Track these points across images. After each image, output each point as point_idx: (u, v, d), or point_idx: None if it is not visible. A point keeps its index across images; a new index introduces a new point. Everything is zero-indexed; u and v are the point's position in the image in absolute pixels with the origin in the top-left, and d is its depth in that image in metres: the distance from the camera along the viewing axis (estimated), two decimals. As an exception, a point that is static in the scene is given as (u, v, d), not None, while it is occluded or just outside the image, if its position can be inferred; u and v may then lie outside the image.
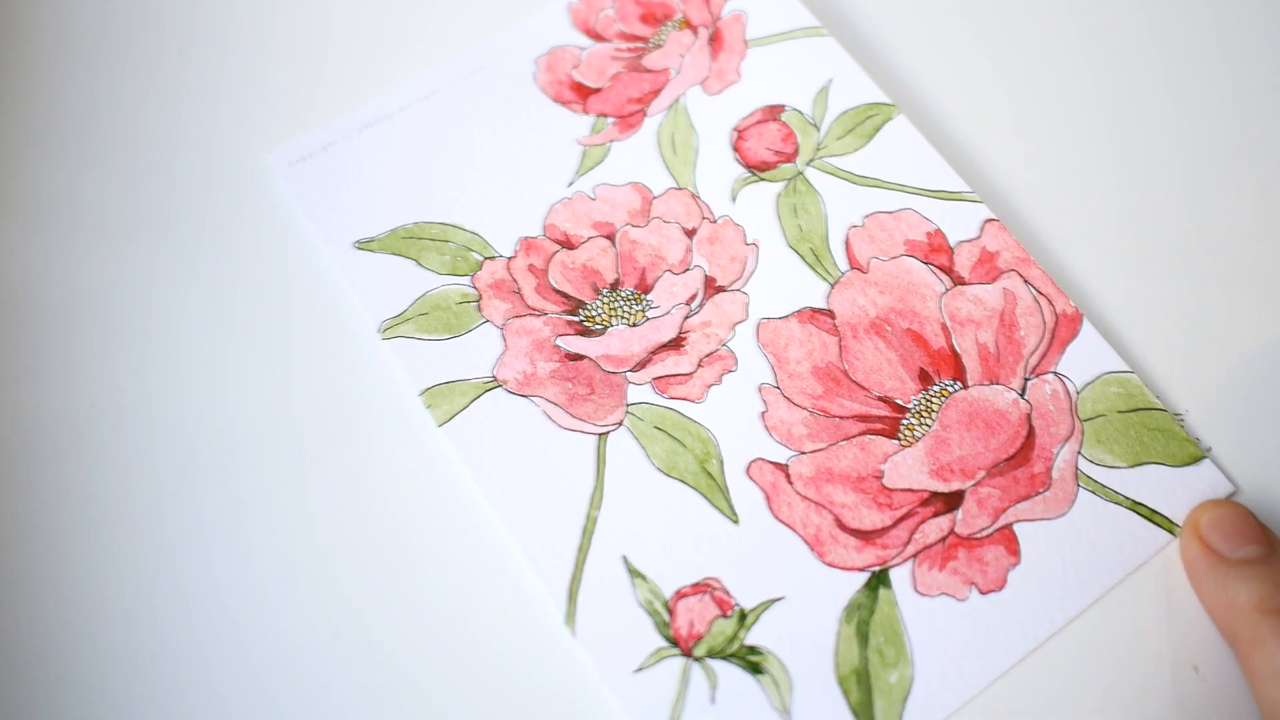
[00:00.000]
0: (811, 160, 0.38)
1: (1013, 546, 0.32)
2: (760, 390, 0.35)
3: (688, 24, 0.41)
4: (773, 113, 0.39)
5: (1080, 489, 0.33)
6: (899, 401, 0.34)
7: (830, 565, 0.32)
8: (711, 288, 0.36)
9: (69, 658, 0.32)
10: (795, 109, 0.39)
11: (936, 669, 0.31)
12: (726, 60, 0.40)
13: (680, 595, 0.32)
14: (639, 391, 0.35)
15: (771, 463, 0.33)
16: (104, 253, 0.38)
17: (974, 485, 0.33)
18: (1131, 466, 0.33)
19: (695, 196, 0.38)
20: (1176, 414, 0.34)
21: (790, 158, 0.38)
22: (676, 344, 0.35)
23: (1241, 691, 0.30)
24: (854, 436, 0.34)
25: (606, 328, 0.36)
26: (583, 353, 0.35)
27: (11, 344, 0.37)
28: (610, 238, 0.37)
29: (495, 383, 0.35)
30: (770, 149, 0.39)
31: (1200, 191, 0.37)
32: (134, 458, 0.35)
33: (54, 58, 0.42)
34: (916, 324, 0.35)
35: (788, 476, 0.33)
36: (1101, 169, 0.38)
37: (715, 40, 0.41)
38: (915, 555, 0.32)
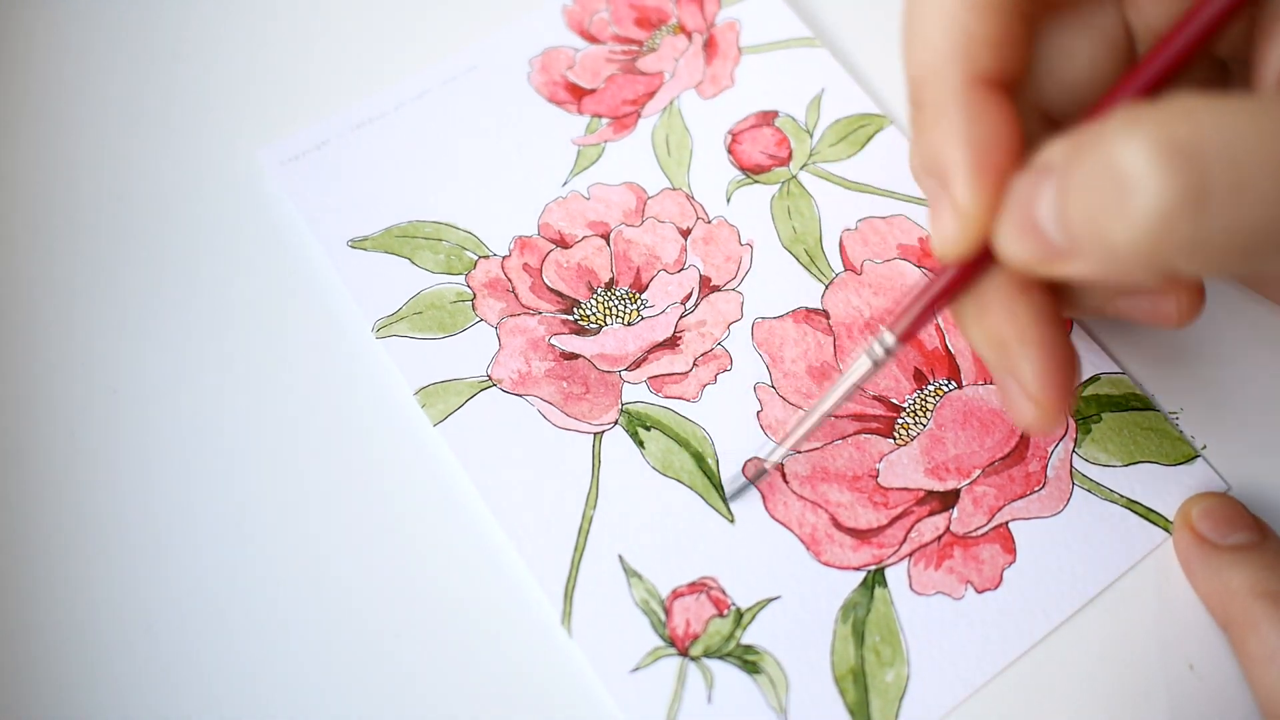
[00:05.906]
0: (805, 165, 0.38)
1: (1008, 545, 0.32)
2: (755, 389, 0.35)
3: (682, 29, 0.41)
4: (766, 118, 0.39)
5: (1075, 487, 0.33)
6: (894, 401, 0.34)
7: (826, 564, 0.32)
8: (706, 287, 0.36)
9: (62, 660, 0.32)
10: (789, 115, 0.39)
11: (933, 668, 0.31)
12: (720, 66, 0.40)
13: (676, 594, 0.32)
14: (634, 390, 0.35)
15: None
16: (96, 252, 0.38)
17: (969, 484, 0.33)
18: (1126, 465, 0.33)
19: (690, 197, 0.38)
20: (1170, 413, 0.34)
21: (784, 162, 0.38)
22: (672, 343, 0.35)
23: (1236, 689, 0.30)
24: (849, 436, 0.34)
25: (601, 327, 0.36)
26: (578, 352, 0.35)
27: (3, 344, 0.36)
28: (605, 237, 0.37)
29: (490, 382, 0.35)
30: (764, 153, 0.39)
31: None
32: (127, 458, 0.34)
33: (45, 55, 0.41)
34: (911, 325, 0.35)
35: (783, 475, 0.33)
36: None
37: (709, 46, 0.41)
38: (911, 554, 0.32)
